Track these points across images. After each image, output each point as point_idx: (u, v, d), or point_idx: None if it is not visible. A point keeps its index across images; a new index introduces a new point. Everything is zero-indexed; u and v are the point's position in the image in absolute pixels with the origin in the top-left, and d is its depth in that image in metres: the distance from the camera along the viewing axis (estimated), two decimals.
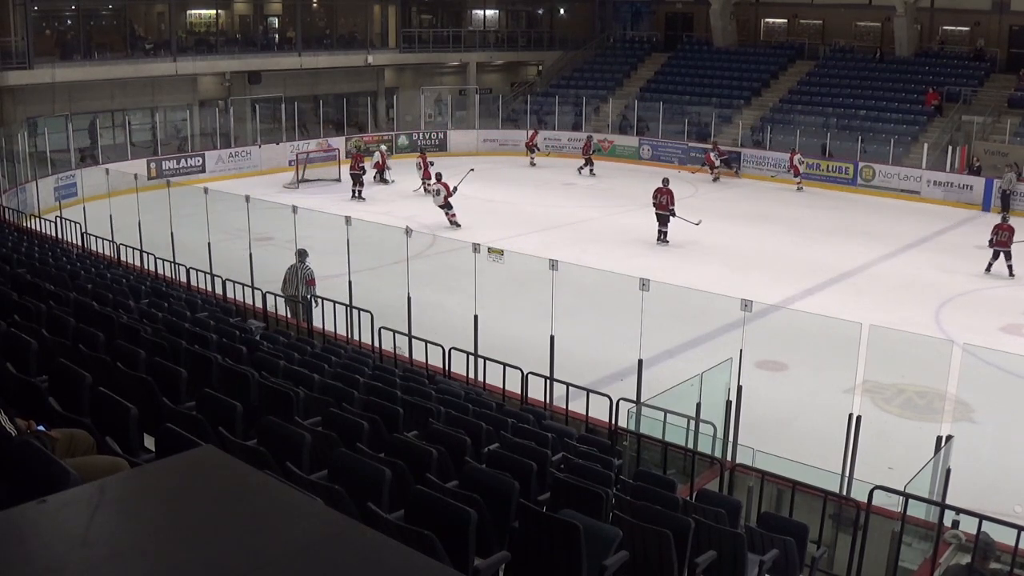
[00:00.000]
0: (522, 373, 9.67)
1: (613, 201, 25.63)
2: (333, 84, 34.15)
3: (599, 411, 9.26)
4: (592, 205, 24.98)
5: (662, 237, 21.01)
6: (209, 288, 13.51)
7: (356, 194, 25.31)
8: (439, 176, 22.30)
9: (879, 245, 20.96)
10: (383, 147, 29.09)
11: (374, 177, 27.37)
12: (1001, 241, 18.35)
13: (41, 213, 19.93)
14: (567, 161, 31.55)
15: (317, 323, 12.00)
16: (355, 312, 11.83)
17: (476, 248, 11.54)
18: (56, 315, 7.54)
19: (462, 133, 33.66)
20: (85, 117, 26.71)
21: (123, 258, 15.05)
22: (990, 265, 18.61)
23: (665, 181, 21.61)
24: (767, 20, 37.67)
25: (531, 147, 31.50)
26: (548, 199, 25.79)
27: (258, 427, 5.44)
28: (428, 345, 10.52)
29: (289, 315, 12.98)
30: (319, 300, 12.90)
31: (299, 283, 13.47)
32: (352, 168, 25.75)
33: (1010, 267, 18.43)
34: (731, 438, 9.49)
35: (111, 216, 17.38)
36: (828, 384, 11.76)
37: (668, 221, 20.94)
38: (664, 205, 21.04)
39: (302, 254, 13.79)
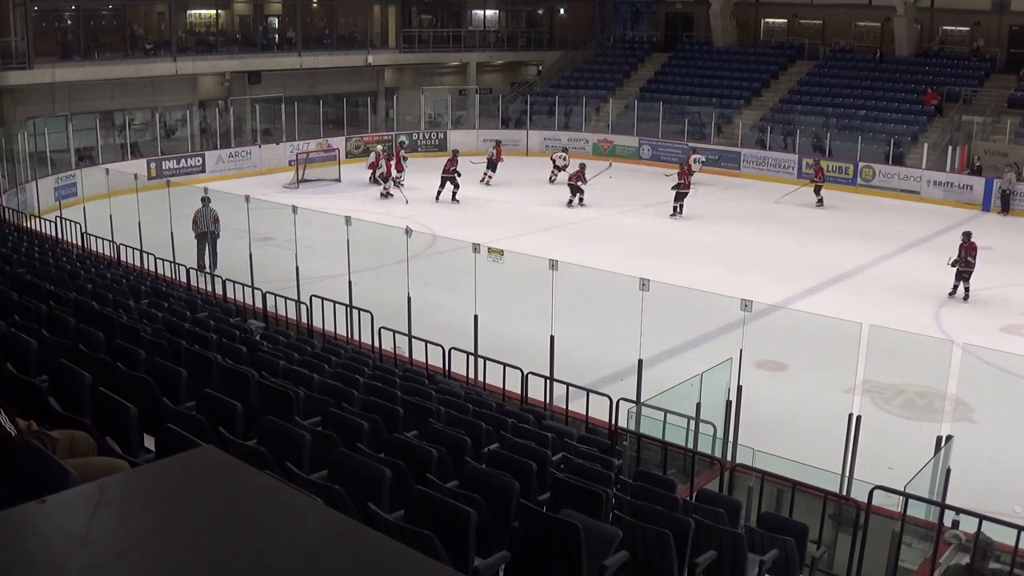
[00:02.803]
0: (522, 373, 9.67)
1: (613, 201, 25.62)
2: (333, 84, 34.14)
3: (599, 411, 9.27)
4: (592, 205, 24.98)
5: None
6: (209, 288, 13.52)
7: (453, 196, 24.86)
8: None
9: (879, 245, 20.96)
10: (379, 147, 29.06)
11: (369, 179, 27.34)
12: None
13: (41, 213, 19.93)
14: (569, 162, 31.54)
15: (317, 323, 12.01)
16: (355, 312, 11.84)
17: (476, 248, 11.54)
18: (56, 315, 7.54)
19: (462, 133, 33.66)
20: (85, 117, 26.71)
21: (123, 258, 15.06)
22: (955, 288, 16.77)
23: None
24: (767, 20, 37.67)
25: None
26: (548, 199, 25.78)
27: (258, 427, 5.44)
28: (428, 345, 10.52)
29: (197, 252, 16.79)
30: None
31: (208, 221, 17.01)
32: (445, 170, 24.98)
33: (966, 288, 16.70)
34: (731, 438, 9.49)
35: (111, 216, 17.39)
36: (828, 384, 11.76)
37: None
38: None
39: (206, 200, 17.15)
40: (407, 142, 32.49)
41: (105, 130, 26.84)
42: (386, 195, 25.24)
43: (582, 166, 25.28)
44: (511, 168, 29.61)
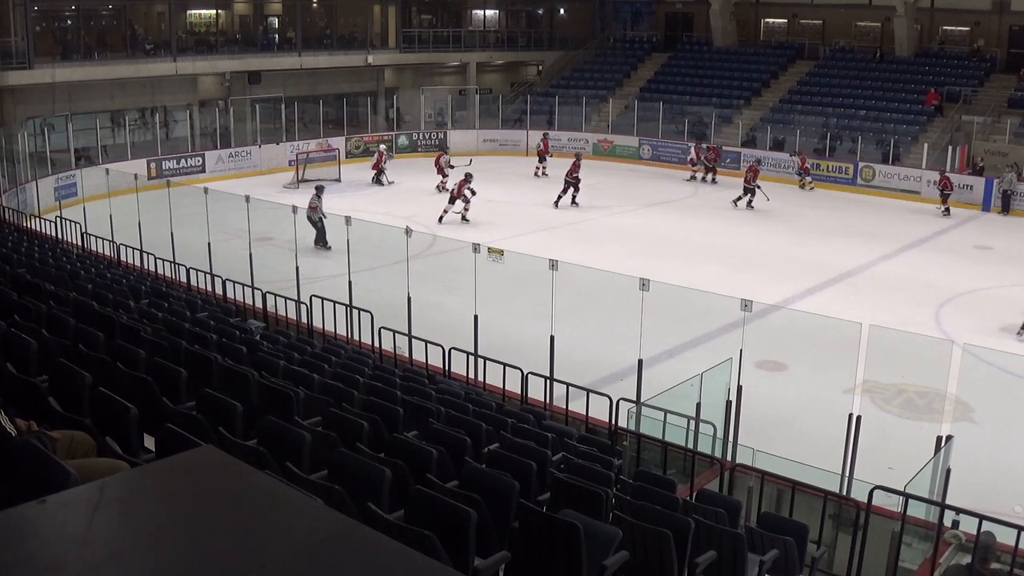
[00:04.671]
0: (522, 373, 9.67)
1: (613, 201, 25.62)
2: (333, 84, 34.13)
3: (599, 411, 9.27)
4: (592, 205, 24.98)
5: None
6: (209, 288, 13.52)
7: (573, 200, 24.54)
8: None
9: (879, 245, 20.96)
10: (382, 147, 29.04)
11: (372, 178, 27.29)
12: None
13: (41, 213, 19.92)
14: (567, 161, 31.48)
15: (317, 323, 12.01)
16: (355, 312, 11.84)
17: (476, 248, 11.54)
18: (56, 315, 7.54)
19: (462, 133, 33.66)
20: (85, 117, 26.72)
21: (123, 258, 15.05)
22: None
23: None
24: (767, 20, 37.67)
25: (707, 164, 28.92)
26: (548, 199, 25.75)
27: (258, 427, 5.44)
28: (428, 345, 10.52)
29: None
30: (324, 215, 18.86)
31: (309, 208, 18.55)
32: (570, 174, 24.60)
33: None
34: (731, 438, 9.49)
35: (111, 216, 17.38)
36: (828, 384, 11.76)
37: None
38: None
39: (319, 189, 20.05)
40: (408, 143, 32.50)
41: (104, 129, 26.85)
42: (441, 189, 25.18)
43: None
44: (511, 168, 29.65)
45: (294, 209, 14.24)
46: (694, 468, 8.30)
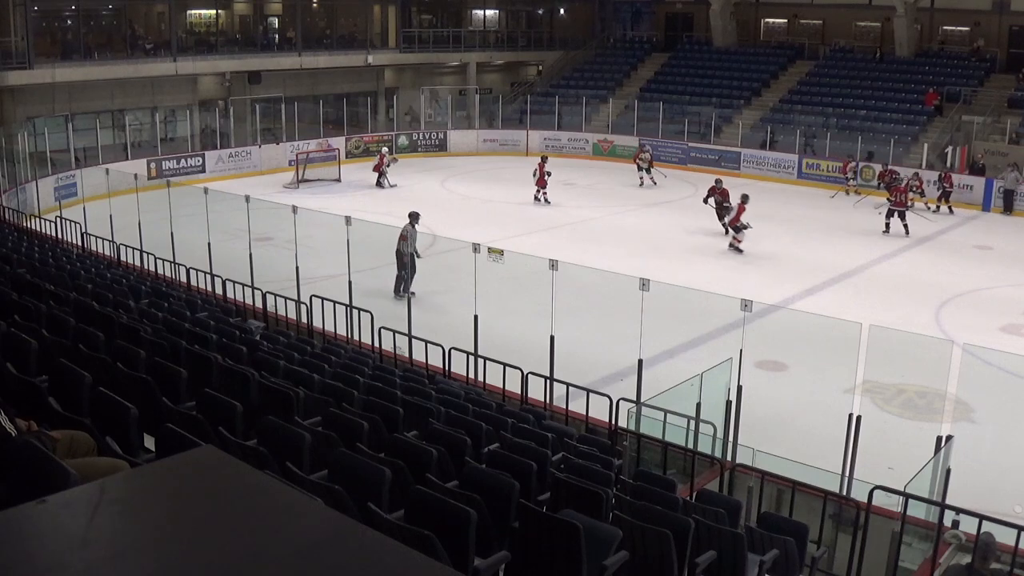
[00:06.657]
0: (522, 373, 9.67)
1: (613, 201, 25.62)
2: (333, 84, 34.15)
3: (599, 411, 9.27)
4: (592, 205, 24.98)
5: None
6: (209, 288, 13.52)
7: (729, 225, 20.98)
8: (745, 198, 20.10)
9: (879, 245, 20.96)
10: (384, 149, 29.00)
11: (376, 181, 27.22)
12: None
13: (41, 213, 19.93)
14: (567, 161, 31.55)
15: (317, 323, 12.01)
16: (355, 312, 11.84)
17: (476, 248, 11.54)
18: (56, 315, 7.54)
19: (462, 133, 33.66)
20: (85, 117, 26.72)
21: (123, 258, 15.05)
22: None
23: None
24: (767, 20, 37.67)
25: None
26: (548, 199, 25.75)
27: (258, 427, 5.44)
28: (428, 345, 10.52)
29: (397, 276, 15.75)
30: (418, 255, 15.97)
31: (414, 242, 15.77)
32: (720, 201, 21.66)
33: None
34: (731, 438, 9.49)
35: (111, 216, 17.39)
36: (828, 384, 11.76)
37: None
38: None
39: (414, 216, 16.11)
40: (408, 143, 32.50)
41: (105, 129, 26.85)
42: (543, 201, 24.48)
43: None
44: (511, 168, 29.63)
45: (294, 209, 14.23)
46: (694, 468, 8.30)
